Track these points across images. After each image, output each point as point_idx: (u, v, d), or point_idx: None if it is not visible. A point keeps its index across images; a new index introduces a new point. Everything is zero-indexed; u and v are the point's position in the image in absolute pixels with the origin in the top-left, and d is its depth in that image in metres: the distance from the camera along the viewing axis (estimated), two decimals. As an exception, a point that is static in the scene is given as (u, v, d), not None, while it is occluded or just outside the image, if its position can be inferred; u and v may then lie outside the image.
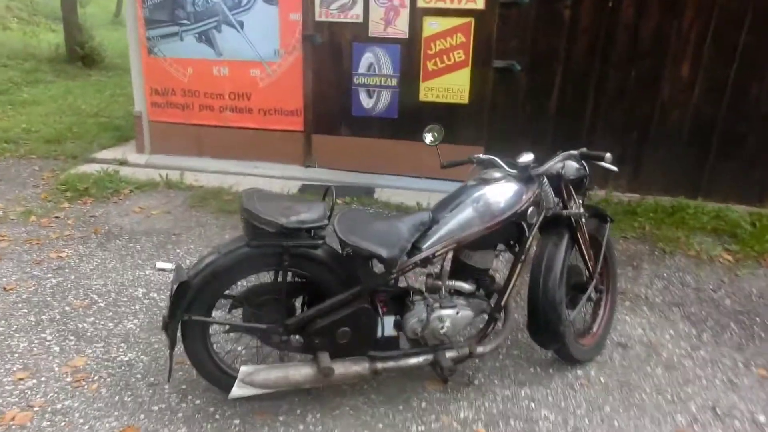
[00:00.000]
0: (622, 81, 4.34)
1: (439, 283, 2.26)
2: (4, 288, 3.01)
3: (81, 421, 2.14)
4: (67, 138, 5.76)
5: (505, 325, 2.41)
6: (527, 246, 2.29)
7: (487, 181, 2.25)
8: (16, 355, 2.50)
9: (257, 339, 2.23)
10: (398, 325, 2.24)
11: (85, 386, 2.32)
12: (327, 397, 2.29)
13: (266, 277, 2.23)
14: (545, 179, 2.32)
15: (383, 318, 2.20)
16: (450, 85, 4.53)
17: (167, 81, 4.97)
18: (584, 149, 2.30)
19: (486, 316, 2.37)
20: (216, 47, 4.80)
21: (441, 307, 2.22)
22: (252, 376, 2.07)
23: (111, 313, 2.83)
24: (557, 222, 2.38)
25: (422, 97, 4.61)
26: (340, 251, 2.15)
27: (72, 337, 2.63)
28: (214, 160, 5.03)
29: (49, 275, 3.16)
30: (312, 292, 2.20)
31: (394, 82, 4.62)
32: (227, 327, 2.21)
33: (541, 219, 2.31)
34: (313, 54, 4.67)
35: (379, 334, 2.20)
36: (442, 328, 2.20)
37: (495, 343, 2.36)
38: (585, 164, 2.42)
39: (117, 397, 2.26)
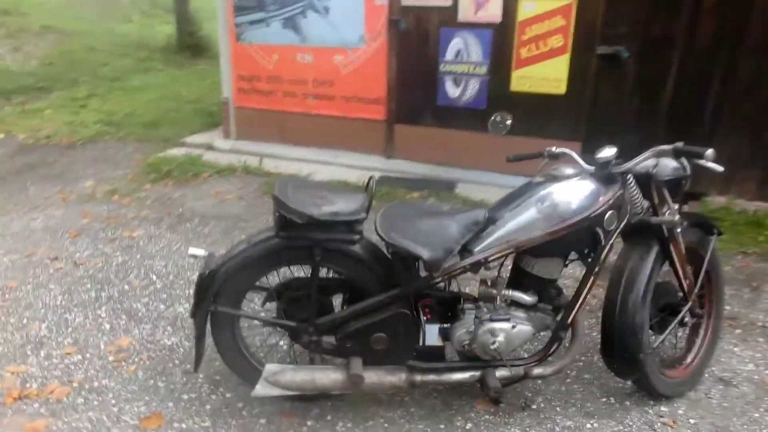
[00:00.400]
0: (757, 71, 3.68)
1: (494, 291, 1.96)
2: (75, 262, 3.13)
3: (113, 402, 2.12)
4: (163, 122, 6.04)
5: (572, 345, 2.06)
6: (603, 257, 1.93)
7: (556, 178, 1.91)
8: (70, 329, 2.55)
9: (288, 336, 2.07)
10: (446, 335, 1.98)
11: (124, 367, 2.30)
12: (362, 405, 2.09)
13: (303, 270, 2.06)
14: (631, 179, 1.93)
15: (426, 325, 1.95)
16: (545, 74, 4.12)
17: (253, 67, 5.01)
18: (680, 144, 1.87)
19: (550, 334, 2.04)
20: (301, 33, 4.75)
21: (492, 320, 1.92)
22: (277, 376, 1.92)
23: (165, 296, 2.82)
24: (645, 231, 1.99)
25: (514, 87, 4.24)
26: (384, 249, 1.93)
27: (124, 316, 2.65)
28: (295, 148, 5.00)
29: (118, 253, 3.24)
30: (352, 290, 2.01)
31: (484, 70, 4.29)
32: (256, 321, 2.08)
33: (622, 226, 1.93)
34: (398, 40, 4.47)
35: (421, 342, 1.96)
36: (494, 343, 1.91)
37: (558, 366, 2.01)
38: (686, 163, 1.99)
39: (151, 381, 2.22)
